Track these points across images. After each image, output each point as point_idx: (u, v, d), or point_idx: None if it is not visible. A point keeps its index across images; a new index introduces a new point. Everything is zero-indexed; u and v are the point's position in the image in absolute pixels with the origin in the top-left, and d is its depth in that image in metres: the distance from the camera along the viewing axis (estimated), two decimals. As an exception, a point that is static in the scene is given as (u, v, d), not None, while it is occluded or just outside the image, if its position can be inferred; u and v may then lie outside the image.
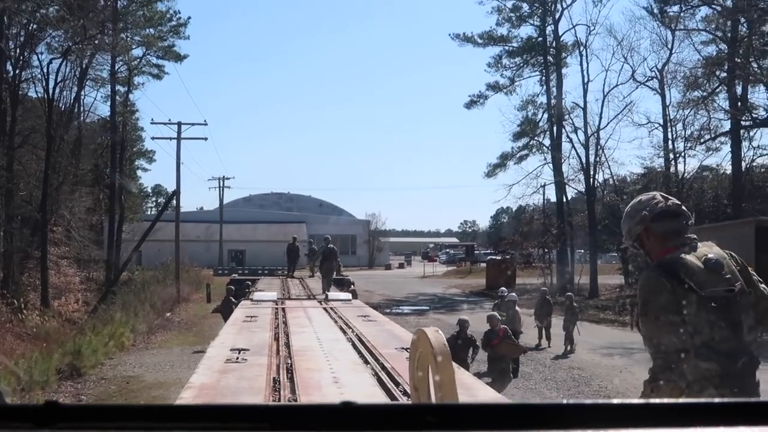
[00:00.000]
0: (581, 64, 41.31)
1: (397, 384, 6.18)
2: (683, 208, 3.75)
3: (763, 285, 3.67)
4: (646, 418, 0.84)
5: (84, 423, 0.83)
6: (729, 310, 3.46)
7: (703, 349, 3.40)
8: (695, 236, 3.71)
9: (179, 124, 40.65)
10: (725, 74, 36.46)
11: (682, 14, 38.87)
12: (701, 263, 3.54)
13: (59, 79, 33.34)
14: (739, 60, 35.23)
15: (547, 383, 15.42)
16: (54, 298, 30.73)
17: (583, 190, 40.67)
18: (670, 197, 3.79)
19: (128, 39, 39.88)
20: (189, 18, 43.72)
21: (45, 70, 32.84)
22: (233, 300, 19.44)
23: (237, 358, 7.72)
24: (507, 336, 13.56)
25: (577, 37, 42.79)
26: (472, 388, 6.22)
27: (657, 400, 0.92)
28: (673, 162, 38.95)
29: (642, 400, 0.92)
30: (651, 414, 0.87)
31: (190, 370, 9.50)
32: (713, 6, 37.37)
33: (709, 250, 3.64)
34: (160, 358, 19.24)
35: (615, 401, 0.88)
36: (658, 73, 39.18)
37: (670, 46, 38.77)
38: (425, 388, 2.41)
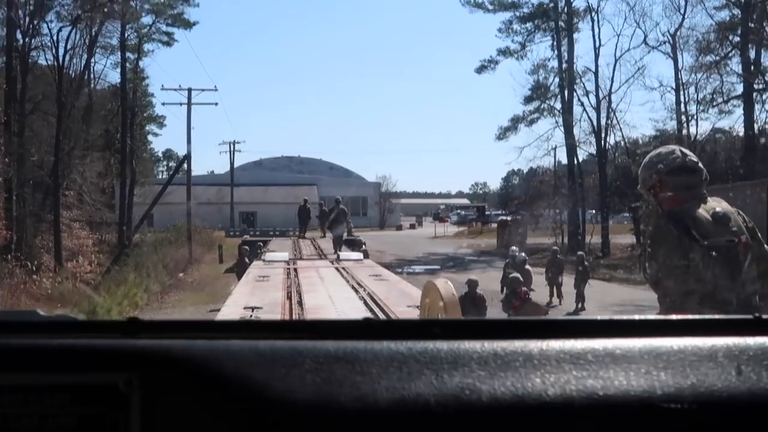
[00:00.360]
0: (593, 29, 40.83)
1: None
2: (700, 165, 3.80)
3: (766, 246, 3.73)
4: (622, 330, 0.99)
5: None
6: (730, 261, 3.54)
7: (706, 298, 3.48)
8: (705, 192, 3.76)
9: (189, 90, 40.73)
10: (738, 39, 36.05)
11: (694, -21, 38.34)
12: (709, 216, 3.61)
13: (69, 47, 33.40)
14: (752, 24, 34.82)
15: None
16: (67, 260, 31.01)
17: (595, 152, 40.51)
18: (689, 153, 3.84)
19: (137, 7, 39.68)
20: (198, -15, 43.33)
21: (55, 38, 32.90)
22: (248, 261, 19.52)
23: (250, 315, 7.78)
24: (528, 298, 13.51)
25: (588, 2, 42.27)
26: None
27: (635, 317, 1.04)
28: (685, 124, 38.72)
29: (618, 317, 1.04)
30: (625, 326, 1.02)
31: (204, 329, 9.61)
32: (726, -29, 36.87)
33: (717, 204, 3.70)
34: (174, 317, 19.40)
35: (598, 317, 1.04)
36: (670, 38, 38.76)
37: (682, 10, 38.32)
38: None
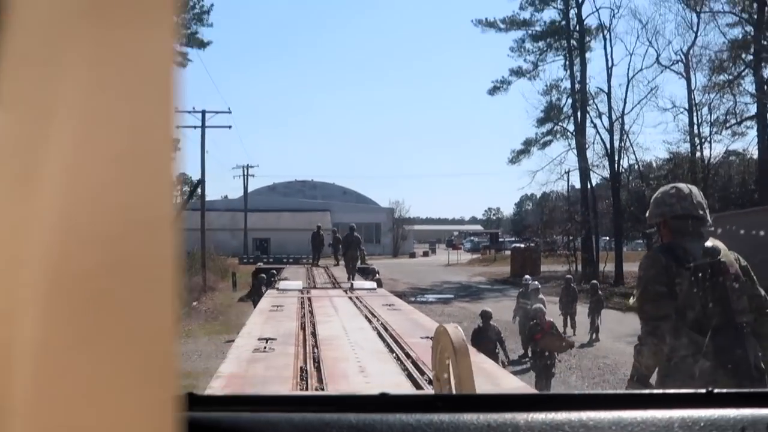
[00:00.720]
0: (605, 48, 40.99)
1: (422, 373, 6.29)
2: (706, 214, 3.91)
3: (762, 291, 3.86)
4: (595, 404, 1.11)
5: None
6: (717, 287, 3.70)
7: (695, 323, 3.64)
8: (703, 231, 3.92)
9: (203, 112, 40.92)
10: (751, 57, 36.08)
11: (707, -4, 38.43)
12: (701, 249, 3.79)
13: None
14: (765, 42, 34.85)
15: (572, 372, 15.44)
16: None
17: (608, 176, 40.47)
18: (699, 202, 3.95)
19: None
20: (212, 5, 43.94)
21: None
22: (263, 289, 19.58)
23: (264, 347, 7.84)
24: (552, 330, 12.99)
25: (600, 20, 42.41)
26: (496, 377, 6.33)
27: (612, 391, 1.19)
28: (698, 147, 38.64)
29: (592, 392, 1.19)
30: (603, 400, 1.14)
31: (218, 360, 9.67)
32: (739, -12, 36.94)
33: (712, 242, 3.83)
34: (188, 348, 19.45)
35: (575, 392, 1.18)
36: (683, 57, 38.80)
37: (695, 28, 38.39)
38: (446, 378, 2.56)
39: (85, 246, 0.41)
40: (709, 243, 3.82)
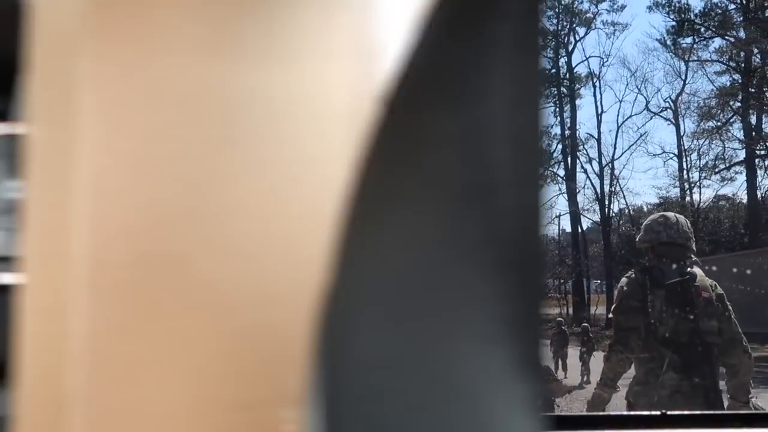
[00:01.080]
0: (595, 95, 41.68)
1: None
2: (691, 243, 4.04)
3: (734, 321, 3.97)
4: (566, 425, 1.14)
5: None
6: (687, 306, 3.83)
7: (663, 337, 3.74)
8: (688, 257, 4.05)
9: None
10: (739, 104, 36.48)
11: (695, 45, 38.95)
12: (678, 272, 3.89)
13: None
14: (752, 90, 35.26)
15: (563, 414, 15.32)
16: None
17: (599, 220, 40.63)
18: (686, 231, 4.07)
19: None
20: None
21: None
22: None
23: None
24: (547, 376, 12.88)
25: (590, 68, 43.10)
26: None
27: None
28: (688, 191, 38.87)
29: (566, 413, 1.25)
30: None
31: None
32: (726, 37, 37.47)
33: (690, 267, 3.97)
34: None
35: (551, 414, 1.22)
36: (672, 104, 39.14)
37: (683, 77, 38.84)
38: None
39: (116, 240, 0.44)
40: (687, 268, 3.95)
